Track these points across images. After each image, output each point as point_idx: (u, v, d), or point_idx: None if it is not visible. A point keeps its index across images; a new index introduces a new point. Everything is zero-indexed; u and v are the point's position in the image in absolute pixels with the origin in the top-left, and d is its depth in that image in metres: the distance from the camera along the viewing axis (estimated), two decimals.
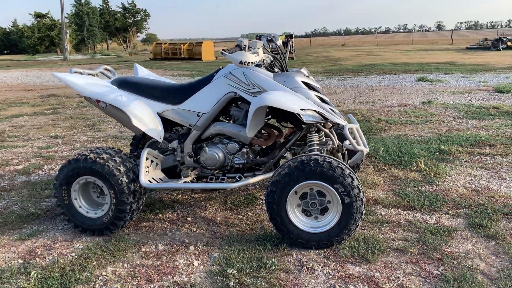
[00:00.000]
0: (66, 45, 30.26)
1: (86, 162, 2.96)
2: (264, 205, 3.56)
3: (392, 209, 3.38)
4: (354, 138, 3.14)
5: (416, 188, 3.80)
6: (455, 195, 3.61)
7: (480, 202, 3.44)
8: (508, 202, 3.43)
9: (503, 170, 4.21)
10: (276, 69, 3.29)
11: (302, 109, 2.90)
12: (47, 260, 2.80)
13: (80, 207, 3.11)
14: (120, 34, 59.12)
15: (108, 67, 3.73)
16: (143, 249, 2.90)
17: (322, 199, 2.78)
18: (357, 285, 2.41)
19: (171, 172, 3.56)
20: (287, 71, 3.24)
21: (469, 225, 3.06)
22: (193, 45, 26.12)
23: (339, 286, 2.42)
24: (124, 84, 3.34)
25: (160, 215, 3.44)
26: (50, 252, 2.90)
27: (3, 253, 2.90)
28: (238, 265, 2.62)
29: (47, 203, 3.75)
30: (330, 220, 2.77)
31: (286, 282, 2.46)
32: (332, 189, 2.68)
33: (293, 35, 23.66)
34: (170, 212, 3.48)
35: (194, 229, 3.18)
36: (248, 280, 2.46)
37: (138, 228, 3.22)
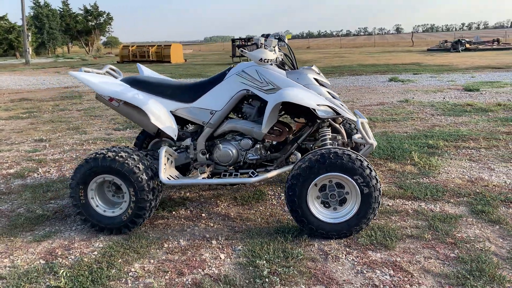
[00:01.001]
0: (28, 49, 29.31)
1: (105, 161, 2.97)
2: (274, 199, 3.66)
3: (398, 200, 3.54)
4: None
5: (415, 180, 3.98)
6: (453, 185, 3.82)
7: (477, 191, 3.65)
8: (502, 190, 3.66)
9: (490, 162, 4.47)
10: (286, 67, 3.39)
11: (318, 105, 3.01)
12: (70, 259, 2.79)
13: (97, 206, 3.11)
14: (82, 37, 57.75)
15: (113, 67, 3.73)
16: (165, 245, 2.93)
17: (340, 191, 2.90)
18: (382, 270, 2.54)
19: (180, 170, 3.60)
20: (297, 68, 3.35)
21: (472, 212, 3.26)
22: (161, 48, 25.92)
23: (366, 271, 2.54)
24: (136, 83, 3.36)
25: (173, 212, 3.47)
26: (71, 252, 2.89)
27: (22, 255, 2.87)
28: (265, 256, 2.69)
29: (53, 205, 3.70)
30: (349, 210, 2.89)
31: (315, 270, 2.56)
32: (352, 180, 2.80)
33: None
34: (183, 210, 3.52)
35: (212, 225, 3.23)
36: (279, 269, 2.54)
37: (154, 225, 3.24)
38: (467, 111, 7.23)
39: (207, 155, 3.41)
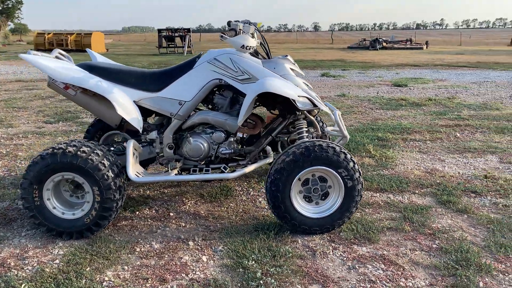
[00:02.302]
0: None
1: (65, 157, 2.62)
2: (243, 195, 3.51)
3: (366, 192, 3.55)
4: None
5: (376, 172, 4.03)
6: (413, 176, 3.92)
7: (438, 181, 3.77)
8: (459, 180, 3.81)
9: (438, 153, 4.67)
10: (259, 56, 3.23)
11: (298, 96, 2.90)
12: (28, 270, 2.43)
13: (54, 208, 2.74)
14: None
15: (62, 52, 3.32)
16: (137, 249, 2.66)
17: (323, 184, 2.81)
18: (373, 264, 2.50)
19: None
20: (270, 57, 3.20)
21: (439, 202, 3.35)
22: (81, 36, 24.35)
23: (357, 266, 2.48)
24: (95, 69, 3.02)
25: (137, 212, 3.18)
26: (27, 262, 2.52)
27: None
28: (252, 256, 2.54)
29: None
30: (332, 204, 2.81)
31: (306, 268, 2.45)
32: (336, 173, 2.73)
33: (190, 29, 23.30)
34: (147, 209, 3.24)
35: (183, 224, 3.00)
36: (271, 270, 2.40)
37: (118, 228, 2.94)
38: (403, 105, 7.55)
39: (174, 150, 3.16)
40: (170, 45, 22.94)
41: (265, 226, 2.91)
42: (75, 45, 23.98)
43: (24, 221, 3.03)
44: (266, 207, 3.28)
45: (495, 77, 11.62)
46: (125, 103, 2.89)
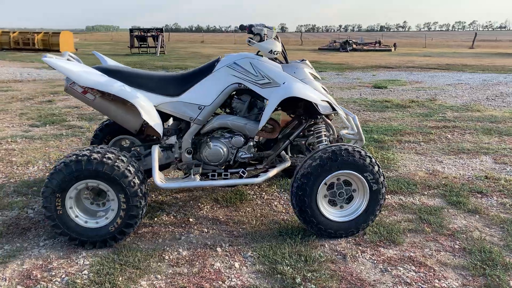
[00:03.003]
0: None
1: (90, 164, 2.54)
2: (257, 199, 3.50)
3: None
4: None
5: None
6: (418, 178, 4.01)
7: (443, 183, 3.88)
8: (463, 182, 3.93)
9: (435, 155, 4.80)
10: (277, 60, 3.23)
11: (321, 100, 2.92)
12: (57, 282, 2.34)
13: (77, 216, 2.66)
14: None
15: (72, 55, 3.22)
16: (166, 257, 2.61)
17: (348, 188, 2.84)
18: (404, 266, 2.55)
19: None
20: (288, 62, 3.21)
21: (449, 203, 3.44)
22: (49, 35, 23.58)
23: (389, 269, 2.52)
24: (113, 73, 2.94)
25: (155, 218, 3.12)
26: (54, 273, 2.43)
27: None
28: (285, 261, 2.54)
29: (1, 217, 3.10)
30: (357, 208, 2.85)
31: (341, 272, 2.47)
32: (362, 177, 2.76)
33: (163, 29, 23.00)
34: (164, 215, 3.18)
35: (206, 230, 2.97)
36: (308, 275, 2.41)
37: (140, 235, 2.88)
38: (388, 107, 7.72)
39: (193, 154, 3.12)
40: (142, 45, 22.58)
41: (289, 231, 2.92)
42: (42, 44, 23.21)
43: (39, 230, 2.93)
44: (283, 211, 3.29)
45: (467, 79, 12.03)
46: (148, 108, 2.83)
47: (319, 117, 3.10)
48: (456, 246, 2.77)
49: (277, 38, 3.06)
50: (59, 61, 2.69)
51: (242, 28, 3.51)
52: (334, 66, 16.58)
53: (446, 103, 8.08)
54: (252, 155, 3.14)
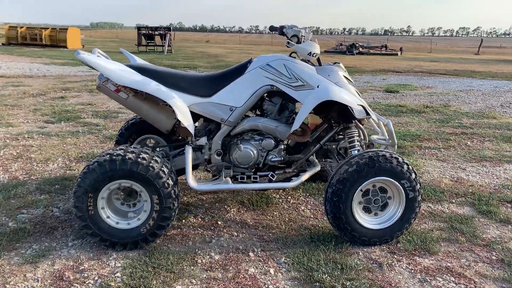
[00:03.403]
0: None
1: (125, 164, 2.49)
2: (283, 203, 3.45)
3: None
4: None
5: None
6: (443, 185, 3.95)
7: (470, 191, 3.82)
8: (489, 190, 3.87)
9: (457, 162, 4.74)
10: (309, 62, 3.18)
11: (357, 104, 2.87)
12: (91, 285, 2.29)
13: (108, 217, 2.61)
14: None
15: (101, 52, 3.16)
16: (198, 261, 2.56)
17: (383, 195, 2.79)
18: (443, 277, 2.49)
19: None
20: (321, 65, 3.15)
21: (480, 212, 3.38)
22: (56, 31, 23.54)
23: (428, 279, 2.46)
24: (146, 72, 2.89)
25: (183, 220, 3.06)
26: (85, 275, 2.37)
27: (21, 283, 2.28)
28: (322, 269, 2.48)
29: (26, 215, 3.04)
30: (391, 215, 2.79)
31: (379, 281, 2.41)
32: (399, 184, 2.70)
33: (171, 28, 22.96)
34: (191, 217, 3.13)
35: (235, 234, 2.91)
36: (347, 283, 2.35)
37: (169, 237, 2.83)
38: (403, 112, 7.66)
39: (222, 156, 3.07)
40: (150, 44, 22.54)
41: (321, 237, 2.86)
42: (49, 40, 23.18)
43: (66, 229, 2.87)
44: (311, 216, 3.23)
45: (478, 86, 11.96)
46: (183, 109, 2.78)
47: (353, 121, 3.04)
48: (493, 258, 2.72)
49: (315, 40, 3.01)
50: (95, 58, 2.63)
51: (272, 29, 3.45)
52: None
53: (461, 110, 8.01)
54: (282, 158, 3.08)
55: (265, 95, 3.10)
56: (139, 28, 22.59)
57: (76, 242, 2.72)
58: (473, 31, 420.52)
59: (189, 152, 2.77)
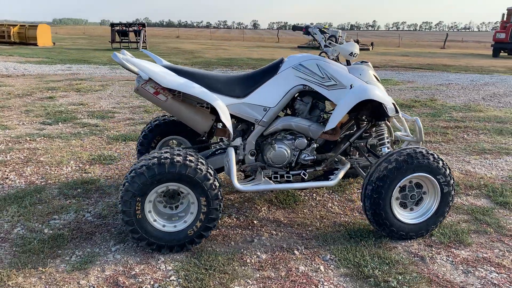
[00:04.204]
0: None
1: (173, 167, 2.48)
2: (310, 200, 3.50)
3: None
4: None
5: None
6: (456, 179, 4.09)
7: (482, 183, 3.98)
8: (500, 182, 4.04)
9: (460, 155, 4.91)
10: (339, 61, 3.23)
11: (392, 103, 2.95)
12: None
13: (155, 220, 2.59)
14: None
15: (126, 52, 3.12)
16: (247, 260, 2.58)
17: (419, 191, 2.88)
18: (485, 267, 2.60)
19: None
20: (349, 64, 3.21)
21: (497, 204, 3.53)
22: (25, 28, 22.74)
23: (471, 270, 2.56)
24: (182, 74, 2.87)
25: (219, 221, 3.06)
26: (140, 280, 2.36)
27: None
28: (370, 264, 2.54)
29: (59, 221, 2.98)
30: (427, 209, 2.88)
31: (428, 274, 2.50)
32: (435, 180, 2.80)
33: (146, 24, 22.55)
34: (226, 217, 3.14)
35: (274, 233, 2.95)
36: (399, 277, 2.43)
37: (212, 238, 2.83)
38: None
39: (255, 156, 3.09)
40: (124, 40, 22.11)
41: (358, 233, 2.93)
42: (18, 37, 22.40)
43: (104, 234, 2.84)
44: (341, 212, 3.30)
45: (456, 80, 12.35)
46: (226, 110, 2.78)
47: (386, 119, 3.11)
48: None
49: (350, 39, 3.06)
50: (143, 62, 2.61)
51: (296, 28, 3.50)
52: None
53: (447, 103, 8.27)
54: (314, 157, 3.13)
55: (297, 94, 3.14)
56: (112, 25, 22.10)
57: (118, 246, 2.69)
58: (435, 25, 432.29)
59: (232, 153, 2.78)
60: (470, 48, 35.68)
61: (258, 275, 2.44)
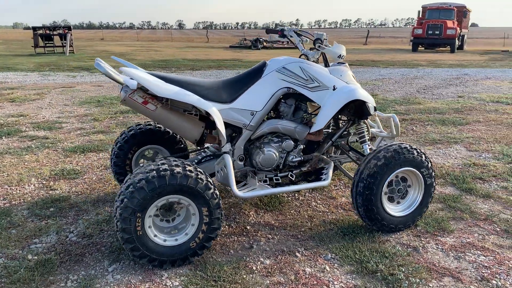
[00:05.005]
0: None
1: (174, 178, 2.39)
2: (293, 201, 3.54)
3: None
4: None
5: None
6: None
7: (443, 172, 4.24)
8: (458, 170, 4.33)
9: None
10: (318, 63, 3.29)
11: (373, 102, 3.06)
12: None
13: (155, 236, 2.49)
14: None
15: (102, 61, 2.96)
16: (253, 268, 2.56)
17: (404, 184, 3.02)
18: (472, 252, 2.77)
19: None
20: (328, 65, 3.28)
21: (463, 191, 3.78)
22: None
23: (461, 256, 2.73)
24: (167, 81, 2.77)
25: None
26: None
27: None
28: (372, 259, 2.63)
29: (41, 245, 2.77)
30: (412, 201, 3.03)
31: (425, 263, 2.63)
32: (419, 173, 2.95)
33: (71, 27, 21.33)
34: None
35: (270, 237, 2.95)
36: (403, 269, 2.53)
37: (210, 248, 2.77)
38: None
39: (245, 161, 3.07)
40: (48, 45, 20.83)
41: (349, 230, 3.01)
42: None
43: (95, 254, 2.68)
44: (327, 210, 3.37)
45: (388, 74, 13.04)
46: (220, 117, 2.73)
47: (368, 117, 3.22)
48: (498, 229, 3.08)
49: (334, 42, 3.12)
50: (137, 72, 2.49)
51: (270, 31, 3.52)
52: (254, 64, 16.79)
53: (388, 98, 8.71)
54: (302, 158, 3.17)
55: (281, 97, 3.15)
56: (34, 28, 20.73)
57: (115, 266, 2.55)
58: (354, 22, 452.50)
59: (229, 160, 2.73)
60: (389, 44, 37.77)
61: (268, 282, 2.43)
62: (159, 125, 3.43)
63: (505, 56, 22.25)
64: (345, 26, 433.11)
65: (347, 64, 3.31)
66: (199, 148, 3.44)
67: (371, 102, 3.03)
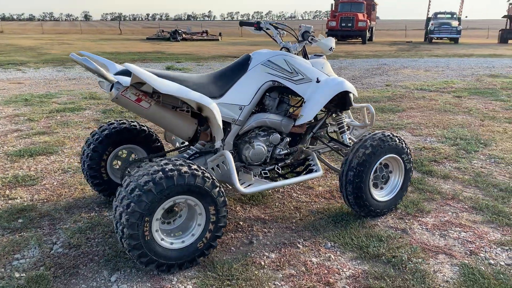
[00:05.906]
0: None
1: (182, 179, 2.29)
2: (274, 193, 3.56)
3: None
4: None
5: None
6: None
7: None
8: (413, 154, 4.61)
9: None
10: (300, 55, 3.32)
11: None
12: None
13: (162, 239, 2.38)
14: None
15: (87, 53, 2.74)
16: (262, 263, 2.55)
17: (387, 170, 3.17)
18: (453, 229, 2.99)
19: None
20: (307, 58, 3.33)
21: (423, 173, 4.05)
22: None
23: (445, 234, 2.94)
24: (165, 78, 2.64)
25: None
26: None
27: None
28: (371, 244, 2.73)
29: (25, 260, 2.52)
30: (394, 186, 3.20)
31: (418, 243, 2.79)
32: (400, 159, 3.12)
33: None
34: None
35: (266, 230, 2.95)
36: (403, 251, 2.66)
37: None
38: None
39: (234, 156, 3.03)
40: None
41: (338, 217, 3.10)
42: None
43: (90, 265, 2.49)
44: (310, 200, 3.44)
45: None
46: (219, 113, 2.65)
47: (348, 108, 3.32)
48: (467, 206, 3.35)
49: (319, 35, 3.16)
50: (140, 69, 2.32)
51: (244, 24, 3.49)
52: (185, 56, 16.54)
53: None
54: (288, 150, 3.19)
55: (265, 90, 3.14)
56: None
57: (117, 275, 2.40)
58: (265, 14, 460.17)
59: (230, 156, 2.67)
60: None
61: (281, 275, 2.43)
62: (134, 123, 3.26)
63: (410, 47, 24.06)
64: (257, 18, 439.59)
65: (324, 56, 3.38)
66: (177, 147, 3.32)
67: (355, 93, 3.13)
